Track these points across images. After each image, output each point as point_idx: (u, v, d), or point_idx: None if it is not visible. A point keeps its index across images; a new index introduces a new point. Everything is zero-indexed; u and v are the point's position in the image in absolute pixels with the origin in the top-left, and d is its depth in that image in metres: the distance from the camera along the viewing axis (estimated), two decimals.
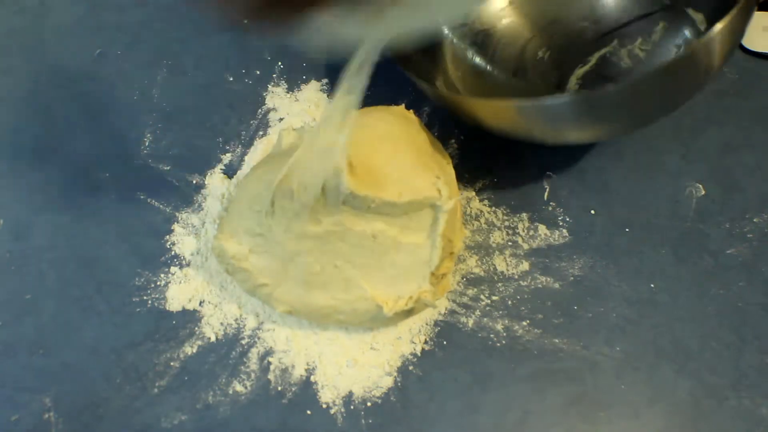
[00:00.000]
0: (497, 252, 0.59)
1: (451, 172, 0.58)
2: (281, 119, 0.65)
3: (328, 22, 0.38)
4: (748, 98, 0.67)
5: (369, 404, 0.53)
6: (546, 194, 0.62)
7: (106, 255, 0.59)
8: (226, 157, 0.64)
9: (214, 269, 0.58)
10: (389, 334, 0.56)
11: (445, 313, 0.57)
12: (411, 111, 0.60)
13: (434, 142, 0.59)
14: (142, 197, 0.62)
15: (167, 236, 0.60)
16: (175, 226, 0.60)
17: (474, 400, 0.54)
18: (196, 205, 0.61)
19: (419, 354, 0.55)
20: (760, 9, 0.70)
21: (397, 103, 0.60)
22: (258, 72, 0.68)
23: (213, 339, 0.56)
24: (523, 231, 0.60)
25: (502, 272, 0.58)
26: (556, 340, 0.56)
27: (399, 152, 0.54)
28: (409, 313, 0.54)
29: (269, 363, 0.55)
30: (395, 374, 0.54)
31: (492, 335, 0.56)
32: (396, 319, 0.54)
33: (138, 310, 0.57)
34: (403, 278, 0.53)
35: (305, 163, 0.50)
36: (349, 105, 0.47)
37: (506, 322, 0.56)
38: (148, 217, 0.61)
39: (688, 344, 0.55)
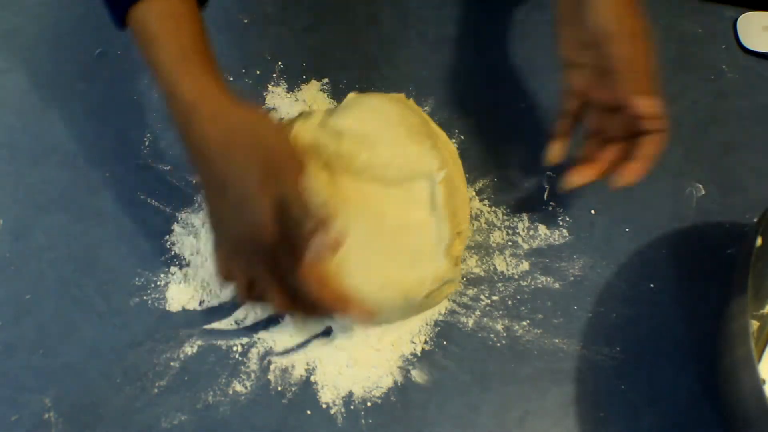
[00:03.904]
0: (497, 252, 0.59)
1: (452, 151, 0.59)
2: (281, 119, 0.65)
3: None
4: (748, 98, 0.67)
5: (369, 404, 0.53)
6: (546, 194, 0.62)
7: (106, 255, 0.59)
8: None
9: (214, 269, 0.58)
10: (389, 334, 0.55)
11: (445, 313, 0.57)
12: (411, 100, 0.61)
13: (432, 126, 0.60)
14: (142, 197, 0.61)
15: (167, 236, 0.60)
16: (175, 226, 0.60)
17: (474, 400, 0.54)
18: (196, 205, 0.61)
19: (419, 354, 0.55)
20: (760, 8, 0.70)
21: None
22: (258, 72, 0.68)
23: (213, 339, 0.56)
24: (523, 231, 0.60)
25: (502, 272, 0.58)
26: (556, 340, 0.56)
27: (391, 125, 0.56)
28: (431, 300, 0.54)
29: (269, 363, 0.55)
30: (395, 374, 0.54)
31: (492, 335, 0.56)
32: (417, 308, 0.55)
33: (138, 310, 0.57)
34: (421, 259, 0.53)
35: None
36: None
37: (506, 322, 0.56)
38: (148, 217, 0.61)
39: (688, 344, 0.55)
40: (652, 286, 0.58)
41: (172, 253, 0.59)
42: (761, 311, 0.55)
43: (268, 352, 0.55)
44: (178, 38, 0.48)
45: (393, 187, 0.54)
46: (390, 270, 0.53)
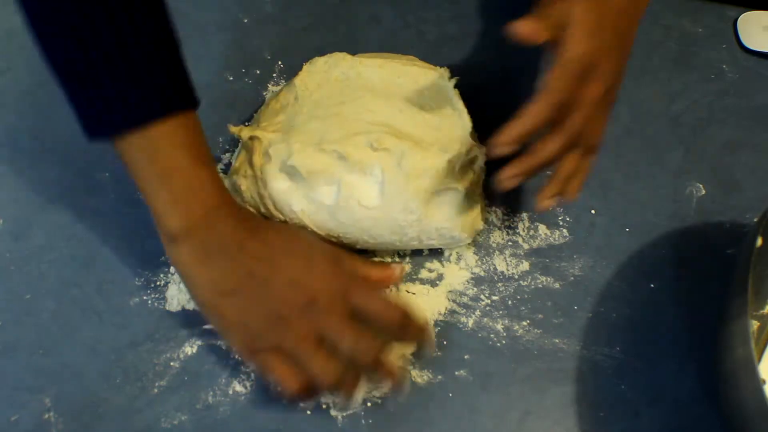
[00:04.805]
0: (497, 252, 0.59)
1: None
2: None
3: None
4: (748, 98, 0.67)
5: (369, 404, 0.53)
6: None
7: (106, 255, 0.59)
8: (226, 157, 0.63)
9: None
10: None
11: (445, 313, 0.57)
12: None
13: None
14: (142, 197, 0.61)
15: None
16: None
17: (474, 400, 0.54)
18: None
19: (419, 354, 0.55)
20: (760, 8, 0.70)
21: None
22: (258, 72, 0.68)
23: (213, 339, 0.56)
24: (523, 231, 0.60)
25: (502, 272, 0.58)
26: (556, 340, 0.56)
27: (397, 56, 0.63)
28: (461, 179, 0.56)
29: None
30: (395, 374, 0.54)
31: (492, 335, 0.56)
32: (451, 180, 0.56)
33: (138, 310, 0.57)
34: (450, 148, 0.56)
35: None
36: None
37: (506, 322, 0.56)
38: (148, 217, 0.60)
39: (688, 344, 0.55)
40: (652, 286, 0.58)
41: None
42: (761, 311, 0.55)
43: None
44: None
45: (408, 98, 0.58)
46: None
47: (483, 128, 0.63)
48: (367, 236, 0.56)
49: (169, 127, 0.47)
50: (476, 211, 0.57)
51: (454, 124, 0.58)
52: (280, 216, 0.56)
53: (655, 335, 0.56)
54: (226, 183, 0.59)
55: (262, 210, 0.57)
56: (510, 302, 0.57)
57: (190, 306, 0.57)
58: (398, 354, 0.54)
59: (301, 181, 0.55)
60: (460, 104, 0.59)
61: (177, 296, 0.57)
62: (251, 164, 0.56)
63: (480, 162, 0.58)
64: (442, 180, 0.54)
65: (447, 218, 0.55)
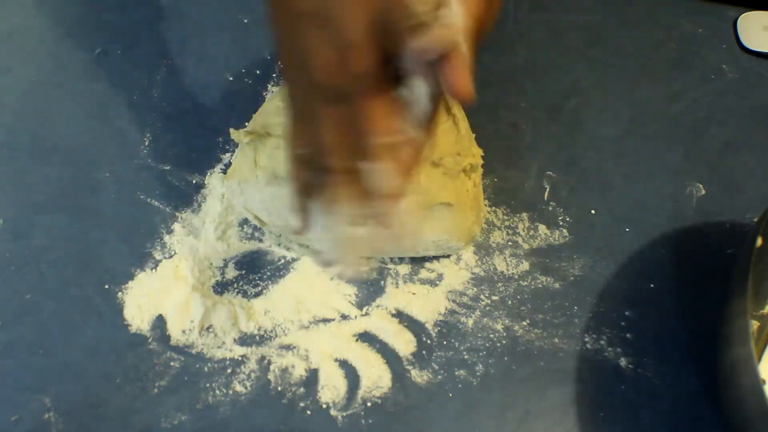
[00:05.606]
0: (497, 252, 0.59)
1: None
2: None
3: None
4: (748, 98, 0.67)
5: (369, 404, 0.53)
6: (546, 194, 0.62)
7: (106, 255, 0.59)
8: (226, 157, 0.63)
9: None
10: (390, 335, 0.56)
11: (445, 313, 0.57)
12: None
13: None
14: (142, 197, 0.61)
15: (167, 236, 0.60)
16: (175, 226, 0.60)
17: (474, 400, 0.54)
18: (196, 205, 0.61)
19: (419, 354, 0.55)
20: (760, 8, 0.70)
21: None
22: (258, 72, 0.68)
23: (213, 338, 0.56)
24: (523, 231, 0.60)
25: (502, 272, 0.58)
26: (556, 340, 0.56)
27: None
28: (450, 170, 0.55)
29: (269, 363, 0.55)
30: (395, 374, 0.54)
31: (492, 335, 0.56)
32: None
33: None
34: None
35: None
36: None
37: (506, 322, 0.56)
38: (148, 217, 0.61)
39: (688, 344, 0.55)
40: (652, 286, 0.58)
41: (173, 253, 0.59)
42: (761, 311, 0.55)
43: (269, 352, 0.55)
44: None
45: None
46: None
47: (483, 129, 0.63)
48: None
49: None
50: (473, 219, 0.57)
51: (450, 130, 0.57)
52: (276, 221, 0.56)
53: (655, 335, 0.56)
54: (225, 185, 0.59)
55: (257, 214, 0.57)
56: (510, 302, 0.57)
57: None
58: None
59: None
60: (455, 109, 0.58)
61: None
62: (249, 167, 0.56)
63: (477, 167, 0.57)
64: (437, 194, 0.54)
65: (443, 231, 0.55)
